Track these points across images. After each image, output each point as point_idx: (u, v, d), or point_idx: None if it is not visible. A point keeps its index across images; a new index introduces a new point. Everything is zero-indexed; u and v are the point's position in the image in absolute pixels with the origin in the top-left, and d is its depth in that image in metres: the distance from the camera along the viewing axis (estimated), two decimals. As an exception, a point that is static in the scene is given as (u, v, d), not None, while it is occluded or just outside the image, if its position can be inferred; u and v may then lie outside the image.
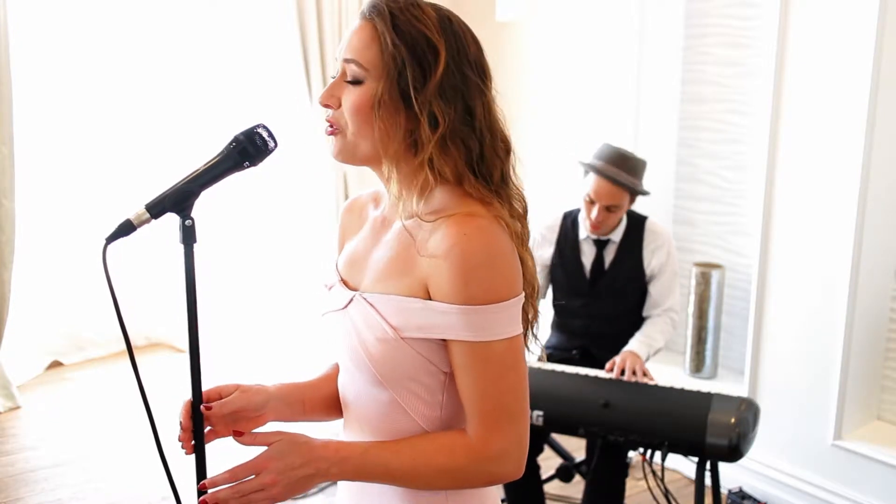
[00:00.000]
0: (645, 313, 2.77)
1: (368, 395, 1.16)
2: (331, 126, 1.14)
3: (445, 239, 1.05)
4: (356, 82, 1.10)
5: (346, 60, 1.11)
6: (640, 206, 3.49)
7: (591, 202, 2.64)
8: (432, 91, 1.08)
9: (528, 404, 1.12)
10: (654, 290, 2.74)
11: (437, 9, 1.12)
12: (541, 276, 2.82)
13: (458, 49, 1.11)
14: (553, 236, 2.80)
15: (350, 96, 1.10)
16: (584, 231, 2.75)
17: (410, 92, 1.07)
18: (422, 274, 1.08)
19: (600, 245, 2.75)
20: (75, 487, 3.20)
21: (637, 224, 2.76)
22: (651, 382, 2.49)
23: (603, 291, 2.75)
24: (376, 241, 1.20)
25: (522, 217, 1.16)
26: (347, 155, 1.14)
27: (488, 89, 1.14)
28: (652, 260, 2.72)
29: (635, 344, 2.62)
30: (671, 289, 2.74)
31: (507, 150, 1.16)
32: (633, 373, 2.50)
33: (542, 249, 2.81)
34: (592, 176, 2.63)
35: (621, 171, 2.62)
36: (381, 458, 1.09)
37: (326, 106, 1.13)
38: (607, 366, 2.55)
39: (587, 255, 2.76)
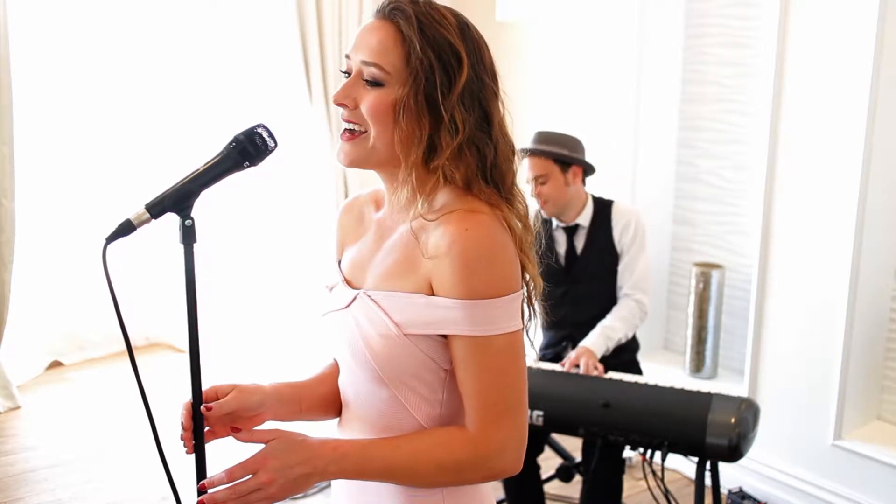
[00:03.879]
0: (618, 294, 2.80)
1: (369, 393, 1.16)
2: (351, 130, 1.12)
3: (446, 235, 1.06)
4: (376, 84, 1.09)
5: (366, 63, 1.09)
6: (641, 205, 3.49)
7: (528, 181, 2.75)
8: (455, 98, 1.08)
9: (527, 399, 1.12)
10: (620, 267, 2.78)
11: (454, 13, 1.12)
12: None
13: (476, 55, 1.11)
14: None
15: (370, 99, 1.09)
16: (555, 222, 2.82)
17: (437, 98, 1.07)
18: (425, 272, 1.09)
19: (570, 231, 2.80)
20: (75, 487, 3.20)
21: (604, 207, 2.81)
22: (600, 375, 2.51)
23: (580, 276, 2.78)
24: (380, 245, 1.20)
25: (525, 219, 1.17)
26: (361, 160, 1.13)
27: (500, 95, 1.15)
28: (622, 238, 2.77)
29: (592, 339, 2.64)
30: (635, 265, 2.76)
31: (514, 153, 1.17)
32: (595, 367, 2.53)
33: None
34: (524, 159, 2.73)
35: (543, 144, 2.73)
36: (381, 454, 1.09)
37: (342, 105, 1.12)
38: (564, 363, 2.58)
39: (560, 244, 2.82)
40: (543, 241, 2.82)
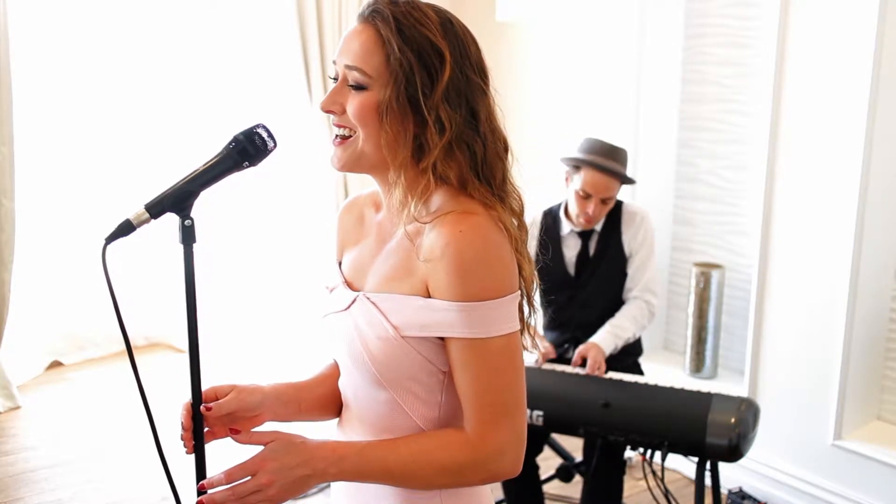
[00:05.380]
0: (623, 295, 2.78)
1: (368, 396, 1.16)
2: (342, 135, 1.13)
3: (441, 237, 1.06)
4: (360, 88, 1.09)
5: (349, 67, 1.10)
6: (641, 205, 3.47)
7: (586, 196, 2.64)
8: (439, 96, 1.07)
9: (525, 401, 1.12)
10: (630, 269, 2.76)
11: (437, 10, 1.12)
12: None
13: (460, 52, 1.10)
14: (535, 233, 2.82)
15: (355, 102, 1.10)
16: (567, 227, 2.77)
17: (419, 98, 1.07)
18: (422, 274, 1.09)
19: (584, 236, 2.77)
20: (75, 487, 3.20)
21: (615, 209, 2.77)
22: (601, 375, 2.52)
23: (588, 280, 2.77)
24: (381, 248, 1.20)
25: (520, 216, 1.16)
26: (353, 163, 1.14)
27: (488, 89, 1.14)
28: (632, 241, 2.74)
29: (601, 336, 2.63)
30: (646, 267, 2.74)
31: (506, 149, 1.16)
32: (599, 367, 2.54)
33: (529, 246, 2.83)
34: (586, 171, 2.63)
35: (613, 161, 2.64)
36: (379, 456, 1.09)
37: (329, 112, 1.13)
38: (574, 359, 2.58)
39: (571, 248, 2.78)
40: (550, 244, 2.82)
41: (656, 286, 2.77)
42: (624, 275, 2.76)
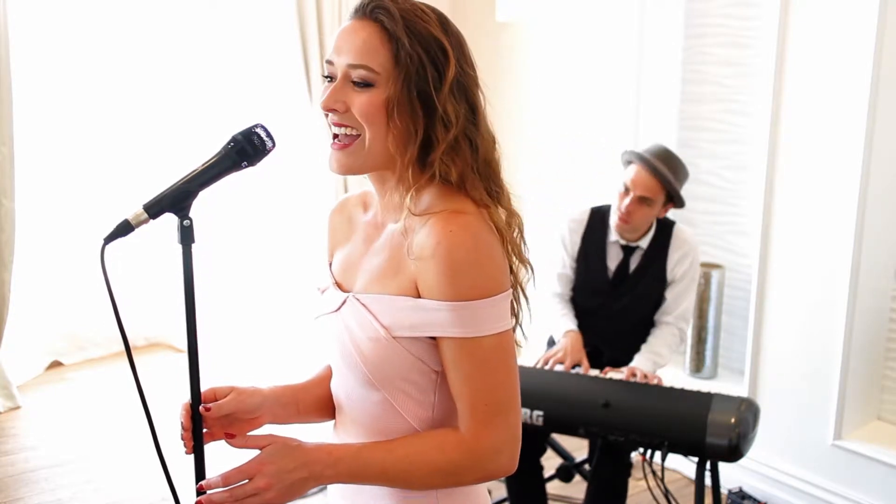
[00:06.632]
0: (656, 317, 2.75)
1: (360, 397, 1.16)
2: (345, 134, 1.10)
3: (431, 236, 1.05)
4: (366, 85, 1.08)
5: (352, 66, 1.08)
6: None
7: (626, 191, 2.63)
8: (447, 91, 1.08)
9: (519, 399, 1.12)
10: (669, 294, 2.73)
11: (432, 8, 1.13)
12: (569, 268, 2.82)
13: (459, 48, 1.12)
14: (580, 229, 2.80)
15: (362, 100, 1.08)
16: (613, 235, 2.73)
17: (429, 92, 1.07)
18: (412, 273, 1.09)
19: (628, 251, 2.74)
20: (75, 487, 3.20)
21: (665, 228, 2.74)
22: (658, 384, 2.52)
23: (624, 294, 2.74)
24: (369, 247, 1.19)
25: (511, 216, 1.16)
26: (357, 167, 1.12)
27: (480, 85, 1.15)
28: (675, 267, 2.71)
29: (640, 360, 2.63)
30: (685, 297, 2.72)
31: (494, 142, 1.17)
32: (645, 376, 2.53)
33: (572, 242, 2.81)
34: (633, 166, 2.63)
35: (663, 164, 2.61)
36: (375, 457, 1.09)
37: (332, 110, 1.10)
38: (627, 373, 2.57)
39: (613, 259, 2.75)
40: (592, 247, 2.78)
41: (691, 315, 2.77)
42: (660, 297, 2.74)
